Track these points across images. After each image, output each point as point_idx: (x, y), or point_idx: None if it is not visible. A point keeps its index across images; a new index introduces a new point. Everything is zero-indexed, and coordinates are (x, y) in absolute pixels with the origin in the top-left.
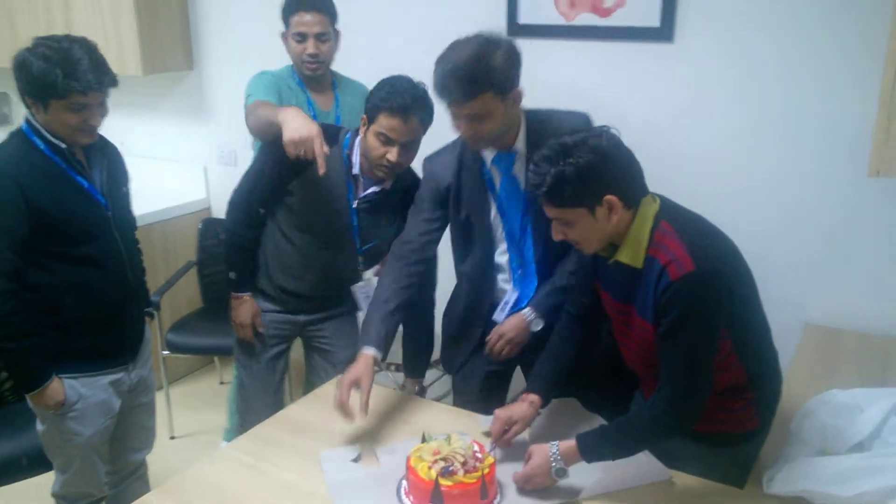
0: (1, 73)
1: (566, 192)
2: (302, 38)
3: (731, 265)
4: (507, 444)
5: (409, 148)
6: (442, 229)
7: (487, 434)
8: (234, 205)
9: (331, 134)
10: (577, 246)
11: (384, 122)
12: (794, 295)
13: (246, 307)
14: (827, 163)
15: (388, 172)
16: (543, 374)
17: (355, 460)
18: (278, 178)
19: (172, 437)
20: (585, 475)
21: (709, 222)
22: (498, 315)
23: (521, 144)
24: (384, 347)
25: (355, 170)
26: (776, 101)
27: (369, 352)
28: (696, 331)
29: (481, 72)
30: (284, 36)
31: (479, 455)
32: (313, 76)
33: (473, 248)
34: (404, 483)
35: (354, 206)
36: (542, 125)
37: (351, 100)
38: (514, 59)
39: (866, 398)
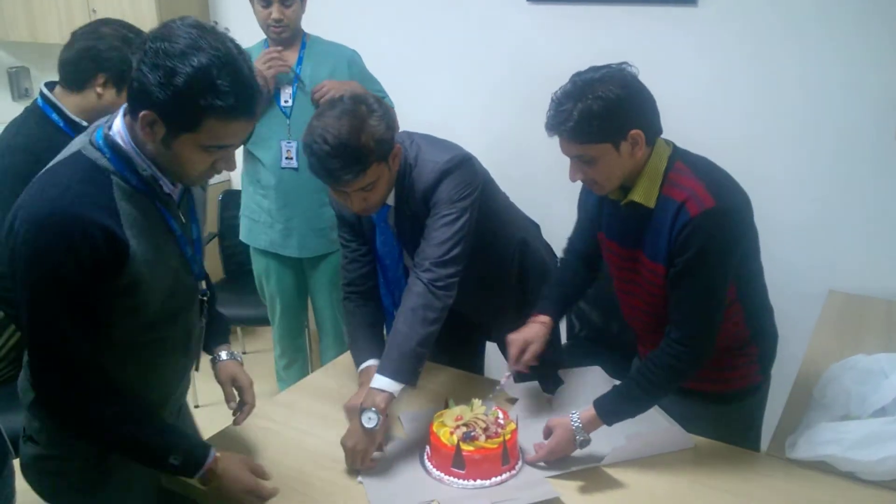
0: (19, 47)
1: (593, 127)
2: (267, 3)
3: (745, 208)
4: (525, 368)
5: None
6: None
7: (510, 401)
8: None
9: None
10: (593, 187)
11: None
12: (819, 261)
13: None
14: (851, 127)
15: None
16: (552, 297)
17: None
18: None
19: (197, 406)
20: (608, 442)
21: (720, 167)
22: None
23: (391, 199)
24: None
25: None
26: (799, 65)
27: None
28: (714, 268)
29: (365, 146)
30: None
31: (502, 421)
32: (279, 39)
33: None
34: (427, 448)
35: None
36: (405, 178)
37: (317, 64)
38: (388, 117)
39: (890, 363)
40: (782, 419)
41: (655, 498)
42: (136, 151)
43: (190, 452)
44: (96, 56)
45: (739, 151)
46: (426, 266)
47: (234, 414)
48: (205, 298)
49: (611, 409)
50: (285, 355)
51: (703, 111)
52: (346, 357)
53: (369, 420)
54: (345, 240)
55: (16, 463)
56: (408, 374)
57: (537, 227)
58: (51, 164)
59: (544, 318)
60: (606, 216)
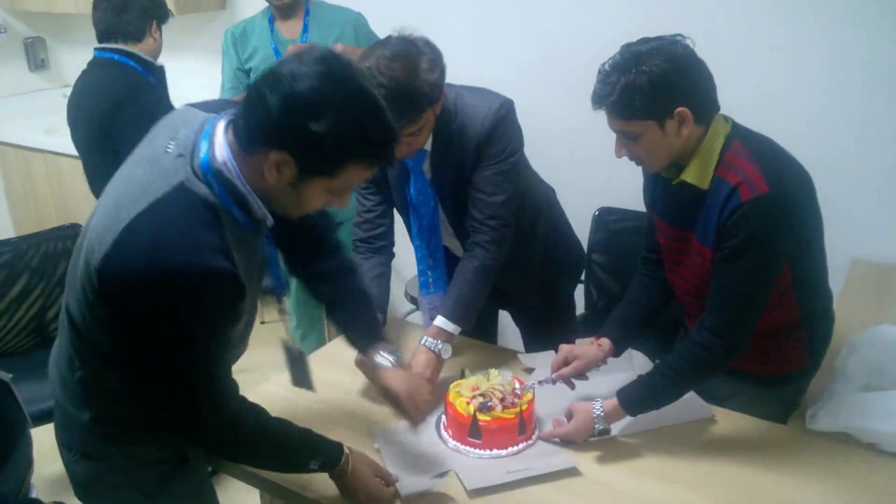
0: (35, 18)
1: (636, 103)
2: None
3: (804, 194)
4: (562, 376)
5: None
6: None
7: (527, 370)
8: None
9: None
10: (639, 163)
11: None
12: (842, 230)
13: None
14: (873, 92)
15: None
16: (620, 318)
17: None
18: None
19: None
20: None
21: (783, 149)
22: (429, 323)
23: (428, 144)
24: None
25: None
26: (823, 34)
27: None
28: (760, 257)
29: (420, 90)
30: None
31: (518, 391)
32: (281, 7)
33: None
34: (443, 418)
35: None
36: (447, 124)
37: (323, 30)
38: (439, 60)
39: None
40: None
41: (672, 468)
42: (249, 191)
43: (328, 456)
44: (150, 8)
45: (758, 121)
46: (491, 224)
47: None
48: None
49: (634, 400)
50: (301, 325)
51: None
52: None
53: (445, 351)
54: (363, 196)
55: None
56: (469, 325)
57: (553, 190)
58: (152, 199)
59: (603, 342)
60: (659, 194)
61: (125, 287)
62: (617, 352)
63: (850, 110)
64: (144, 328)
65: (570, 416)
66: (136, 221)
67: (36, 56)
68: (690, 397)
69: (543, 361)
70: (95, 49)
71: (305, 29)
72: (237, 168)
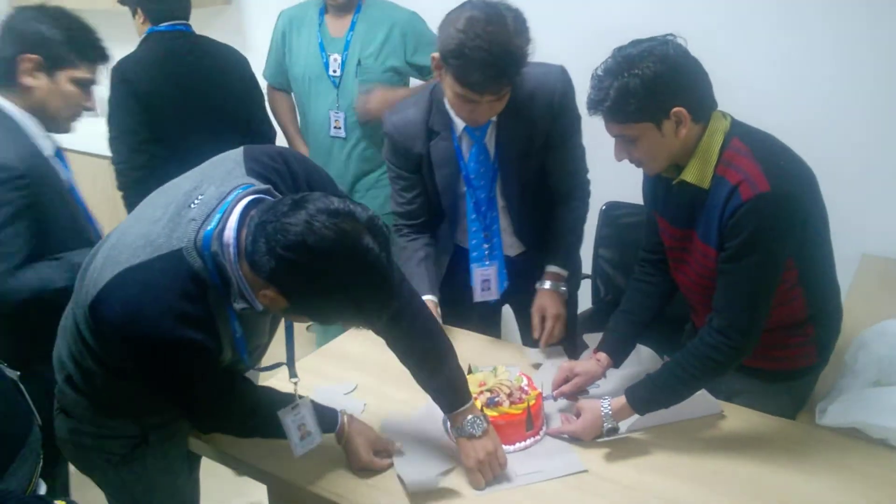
0: None
1: (631, 107)
2: None
3: (806, 190)
4: (563, 393)
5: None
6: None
7: (535, 366)
8: None
9: None
10: (640, 166)
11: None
12: (851, 224)
13: None
14: (882, 86)
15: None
16: (617, 331)
17: (348, 393)
18: None
19: None
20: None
21: (784, 144)
22: (481, 294)
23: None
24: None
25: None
26: (828, 27)
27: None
28: (763, 256)
29: (513, 53)
30: None
31: (526, 387)
32: (336, 5)
33: (438, 221)
34: None
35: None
36: (515, 92)
37: (369, 27)
38: (524, 24)
39: None
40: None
41: (682, 466)
42: (243, 286)
43: (322, 421)
44: None
45: (766, 115)
46: (585, 181)
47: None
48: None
49: (643, 399)
50: None
51: (723, 73)
52: None
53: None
54: (398, 192)
55: None
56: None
57: None
58: (148, 256)
59: (602, 357)
60: (661, 194)
61: (107, 334)
62: (616, 365)
63: (858, 104)
64: (127, 364)
65: (578, 413)
66: (127, 274)
67: None
68: (699, 393)
69: (551, 357)
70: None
71: (352, 27)
72: (236, 257)
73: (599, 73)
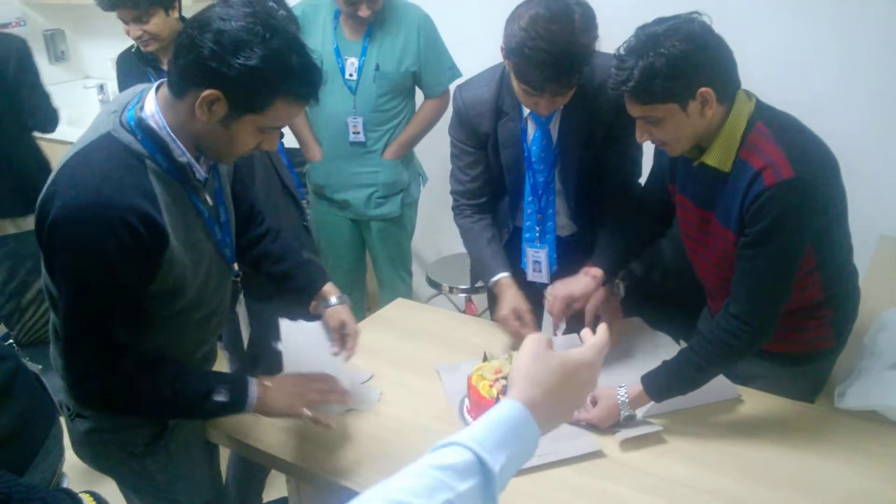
0: (54, 10)
1: (656, 87)
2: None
3: (829, 176)
4: (563, 315)
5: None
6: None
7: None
8: None
9: None
10: (662, 147)
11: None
12: (869, 206)
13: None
14: None
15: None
16: (609, 246)
17: (364, 382)
18: None
19: None
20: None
21: (807, 127)
22: (532, 275)
23: None
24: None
25: None
26: (849, 6)
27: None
28: (785, 243)
29: (576, 53)
30: None
31: None
32: (356, 23)
33: (497, 200)
34: (466, 401)
35: None
36: (584, 83)
37: (386, 31)
38: (592, 20)
39: None
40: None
41: (698, 450)
42: (171, 137)
43: (233, 385)
44: None
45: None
46: (636, 182)
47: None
48: (237, 279)
49: (659, 386)
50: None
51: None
52: (381, 313)
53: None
54: (462, 170)
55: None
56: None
57: None
58: (79, 146)
59: (596, 272)
60: (681, 170)
61: (47, 227)
62: (608, 276)
63: (876, 84)
64: (61, 268)
65: (594, 402)
66: (64, 167)
67: (56, 48)
68: (716, 378)
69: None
70: None
71: (368, 33)
72: (162, 117)
73: (622, 52)
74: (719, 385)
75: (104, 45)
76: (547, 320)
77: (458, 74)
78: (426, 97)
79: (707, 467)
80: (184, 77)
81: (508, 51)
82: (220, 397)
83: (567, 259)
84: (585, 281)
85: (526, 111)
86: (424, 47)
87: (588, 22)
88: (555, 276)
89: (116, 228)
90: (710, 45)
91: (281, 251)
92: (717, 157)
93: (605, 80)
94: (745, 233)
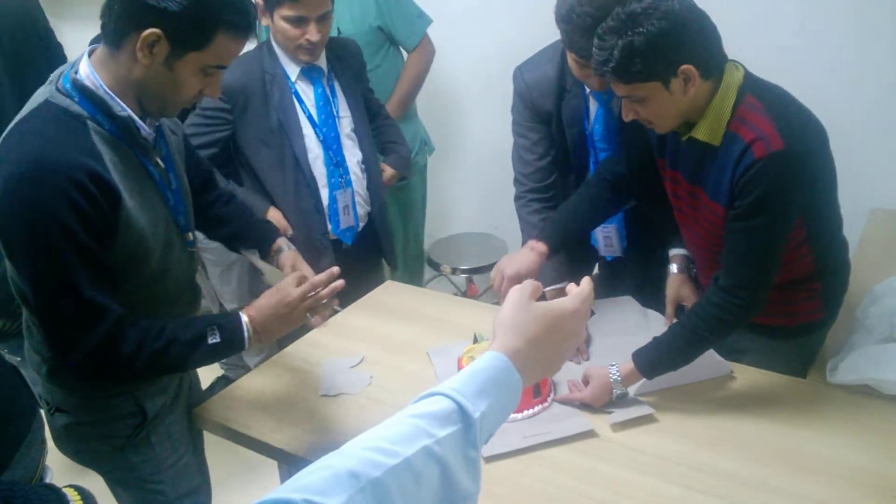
0: None
1: (636, 66)
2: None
3: (819, 148)
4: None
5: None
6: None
7: None
8: None
9: None
10: (650, 125)
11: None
12: (860, 179)
13: None
14: (893, 40)
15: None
16: (558, 222)
17: (355, 366)
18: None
19: None
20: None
21: (796, 99)
22: (605, 250)
23: None
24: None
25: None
26: None
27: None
28: (774, 215)
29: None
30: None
31: None
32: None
33: (565, 178)
34: None
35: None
36: None
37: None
38: None
39: None
40: (825, 344)
41: (691, 427)
42: (109, 94)
43: (223, 322)
44: None
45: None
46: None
47: None
48: (194, 251)
49: (651, 363)
50: None
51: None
52: (372, 296)
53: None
54: (528, 149)
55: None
56: None
57: None
58: (18, 118)
59: (539, 246)
60: (670, 145)
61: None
62: (551, 251)
63: (868, 58)
64: (13, 237)
65: (586, 381)
66: (4, 140)
67: None
68: (708, 355)
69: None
70: None
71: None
72: (98, 77)
73: (601, 32)
74: (711, 362)
75: (84, 30)
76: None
77: (427, 21)
78: (407, 52)
79: (700, 444)
80: (121, 23)
81: (558, 17)
82: (214, 339)
83: (636, 231)
84: (531, 257)
85: (588, 88)
86: (388, 14)
87: None
88: (626, 250)
89: (65, 188)
90: (689, 22)
91: (232, 213)
92: (706, 132)
93: None
94: (735, 206)
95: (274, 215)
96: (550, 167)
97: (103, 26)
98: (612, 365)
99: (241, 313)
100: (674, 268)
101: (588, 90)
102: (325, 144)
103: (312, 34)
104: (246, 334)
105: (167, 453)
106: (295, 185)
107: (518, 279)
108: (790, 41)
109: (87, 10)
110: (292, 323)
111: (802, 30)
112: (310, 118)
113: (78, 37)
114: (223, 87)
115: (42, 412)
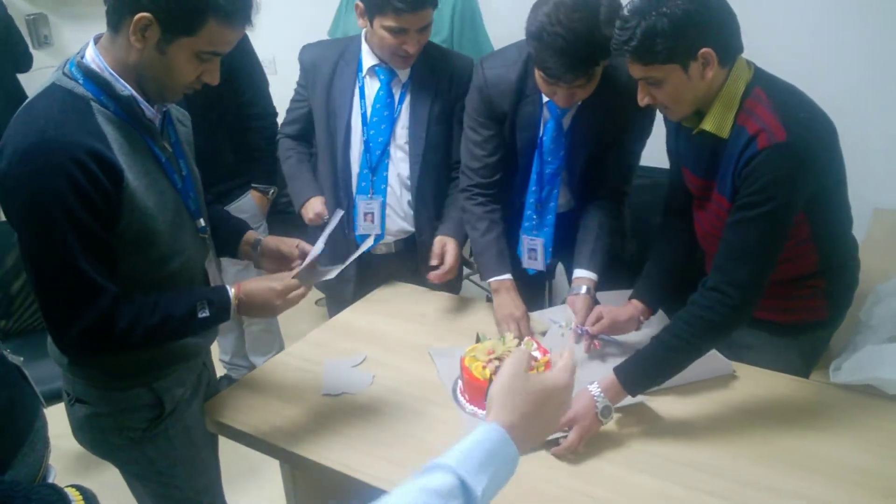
0: None
1: (658, 47)
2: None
3: (824, 142)
4: (601, 330)
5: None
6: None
7: (541, 334)
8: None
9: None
10: (664, 111)
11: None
12: (863, 179)
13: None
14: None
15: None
16: (649, 279)
17: (357, 366)
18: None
19: None
20: None
21: (806, 95)
22: (527, 262)
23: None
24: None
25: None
26: None
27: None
28: (774, 208)
29: (595, 44)
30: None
31: (535, 352)
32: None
33: (510, 178)
34: (459, 383)
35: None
36: (607, 82)
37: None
38: (617, 13)
39: None
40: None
41: (693, 427)
42: (112, 74)
43: (213, 297)
44: None
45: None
46: (628, 188)
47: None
48: (205, 237)
49: (635, 379)
50: None
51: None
52: (375, 294)
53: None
54: (479, 145)
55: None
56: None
57: None
58: (26, 101)
59: (638, 305)
60: (683, 144)
61: (2, 180)
62: (652, 311)
63: (875, 58)
64: (16, 214)
65: (570, 422)
66: (12, 124)
67: (38, 33)
68: (711, 354)
69: (556, 316)
70: None
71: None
72: (103, 60)
73: (625, 13)
74: (714, 361)
75: (87, 29)
76: (550, 314)
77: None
78: None
79: (703, 444)
80: (118, 7)
81: (528, 34)
82: (203, 313)
83: (566, 231)
84: (629, 311)
85: (545, 97)
86: (459, 16)
87: (613, 14)
88: (550, 266)
89: (66, 165)
90: (712, 5)
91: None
92: (715, 123)
93: (630, 82)
94: (737, 197)
95: (314, 203)
96: (498, 165)
97: (106, 11)
98: (593, 384)
99: (229, 289)
100: (582, 289)
101: (545, 99)
102: (366, 145)
103: (411, 45)
104: (232, 310)
105: (185, 448)
106: (333, 174)
107: (614, 324)
108: (795, 33)
109: (88, 9)
110: (272, 313)
111: (808, 23)
112: (363, 115)
113: (78, 36)
114: (303, 63)
115: (44, 412)
